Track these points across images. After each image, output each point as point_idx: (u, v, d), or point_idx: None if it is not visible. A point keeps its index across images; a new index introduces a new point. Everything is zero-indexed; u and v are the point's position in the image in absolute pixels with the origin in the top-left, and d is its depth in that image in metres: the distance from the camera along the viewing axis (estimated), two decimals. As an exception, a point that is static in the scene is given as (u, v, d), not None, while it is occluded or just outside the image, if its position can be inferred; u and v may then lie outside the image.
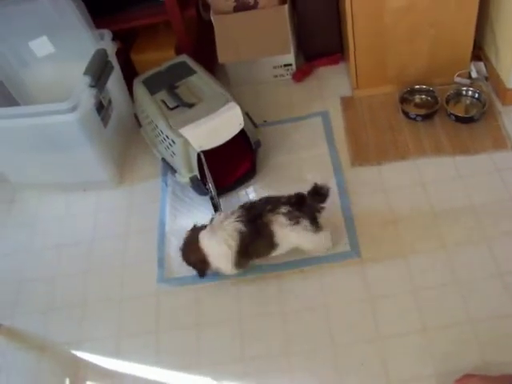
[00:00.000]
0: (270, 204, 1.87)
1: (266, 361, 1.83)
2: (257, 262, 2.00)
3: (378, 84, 2.51)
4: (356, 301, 1.90)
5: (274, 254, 1.94)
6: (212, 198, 2.10)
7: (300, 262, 2.03)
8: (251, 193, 2.29)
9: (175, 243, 2.15)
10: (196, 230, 1.94)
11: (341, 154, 2.34)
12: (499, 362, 1.67)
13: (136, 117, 2.45)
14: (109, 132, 2.38)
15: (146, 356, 1.92)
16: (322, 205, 1.89)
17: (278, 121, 2.55)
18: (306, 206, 1.86)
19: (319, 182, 1.91)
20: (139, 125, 2.45)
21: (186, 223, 2.10)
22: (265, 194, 2.24)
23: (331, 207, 2.13)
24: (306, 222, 1.85)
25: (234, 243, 1.85)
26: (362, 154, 2.31)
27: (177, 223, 2.25)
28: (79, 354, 1.98)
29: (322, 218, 1.93)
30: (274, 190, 2.24)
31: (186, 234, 1.98)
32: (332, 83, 2.67)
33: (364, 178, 2.24)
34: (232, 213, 1.89)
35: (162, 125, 2.14)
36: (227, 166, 2.28)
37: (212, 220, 1.92)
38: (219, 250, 1.87)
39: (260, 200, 1.94)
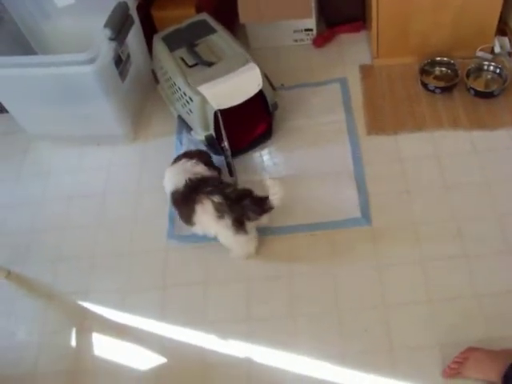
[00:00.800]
0: (210, 186, 1.88)
1: (271, 322, 1.85)
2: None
3: (398, 54, 2.48)
4: (364, 267, 1.91)
5: (193, 229, 1.96)
6: (226, 158, 2.10)
7: (311, 225, 2.04)
8: (265, 155, 2.29)
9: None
10: (185, 156, 2.06)
11: (357, 121, 2.33)
12: (503, 337, 1.68)
13: (154, 73, 2.44)
14: (126, 87, 2.37)
15: (152, 310, 1.95)
16: (258, 216, 1.86)
17: (296, 85, 2.53)
18: (242, 205, 1.83)
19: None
20: (156, 81, 2.44)
21: (199, 181, 2.11)
22: (279, 156, 2.26)
23: (344, 174, 2.14)
24: (228, 221, 1.83)
25: (169, 189, 1.98)
26: (379, 123, 2.29)
27: (189, 181, 2.25)
28: (86, 304, 2.01)
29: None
30: (289, 153, 2.26)
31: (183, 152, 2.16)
32: (352, 51, 2.65)
33: (380, 146, 2.23)
34: (193, 171, 1.96)
35: (180, 82, 2.13)
36: (243, 127, 2.28)
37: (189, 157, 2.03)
38: (165, 181, 2.02)
39: (212, 177, 1.98)
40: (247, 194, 1.86)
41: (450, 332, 1.72)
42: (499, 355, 1.58)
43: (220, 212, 1.82)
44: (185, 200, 1.91)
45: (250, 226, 1.87)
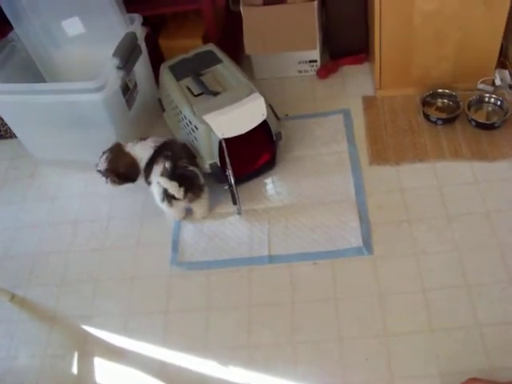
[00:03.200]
0: (170, 151, 2.11)
1: (272, 349, 1.85)
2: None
3: (400, 86, 2.52)
4: (365, 296, 1.92)
5: (150, 189, 2.17)
6: (230, 186, 2.12)
7: (313, 254, 2.05)
8: (269, 184, 2.31)
9: (191, 228, 2.22)
10: (118, 145, 2.23)
11: (360, 152, 2.35)
12: (505, 368, 1.68)
13: (160, 101, 2.49)
14: (132, 114, 2.41)
15: (154, 336, 1.95)
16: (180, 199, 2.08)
17: (300, 115, 2.57)
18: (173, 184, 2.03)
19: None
20: (162, 109, 2.48)
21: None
22: (283, 185, 2.28)
23: (347, 203, 2.16)
24: (160, 188, 2.06)
25: (144, 162, 2.18)
26: (381, 154, 2.32)
27: (193, 209, 2.28)
28: (88, 328, 2.01)
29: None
30: (292, 182, 2.29)
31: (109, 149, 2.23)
32: (355, 82, 2.69)
33: (381, 177, 2.25)
34: (153, 140, 2.20)
35: (186, 110, 2.16)
36: (247, 156, 2.30)
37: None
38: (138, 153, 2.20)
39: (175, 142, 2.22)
40: (189, 177, 2.09)
41: (451, 362, 1.72)
42: (501, 387, 1.58)
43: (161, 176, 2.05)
44: (150, 162, 2.14)
45: (177, 202, 2.09)
